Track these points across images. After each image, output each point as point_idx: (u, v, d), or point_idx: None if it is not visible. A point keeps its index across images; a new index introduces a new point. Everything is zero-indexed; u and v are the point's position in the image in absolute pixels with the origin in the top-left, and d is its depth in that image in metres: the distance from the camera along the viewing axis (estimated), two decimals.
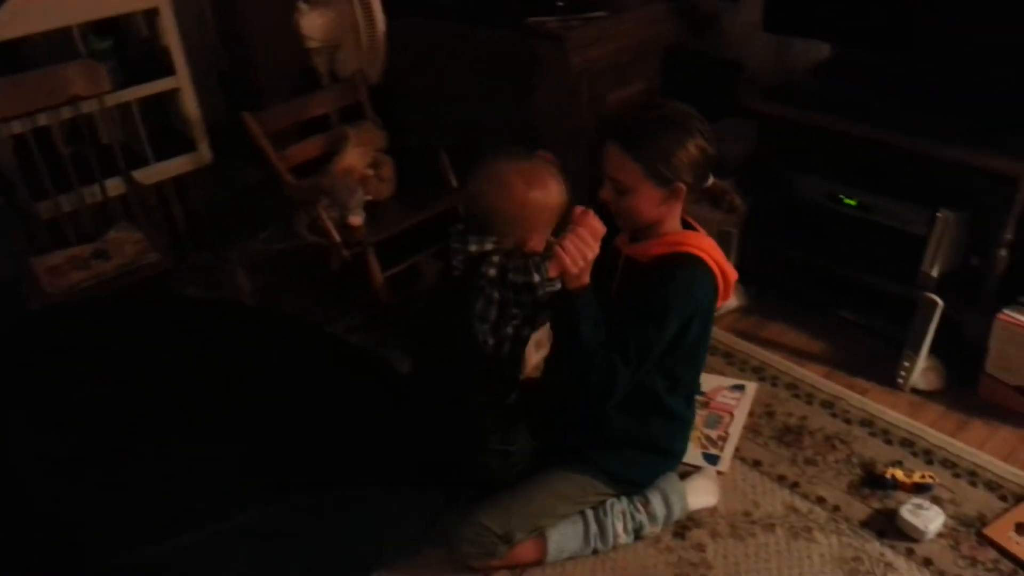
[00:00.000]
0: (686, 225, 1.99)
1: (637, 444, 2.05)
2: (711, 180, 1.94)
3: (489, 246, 1.92)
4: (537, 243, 1.93)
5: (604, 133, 1.88)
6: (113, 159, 2.89)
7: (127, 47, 3.25)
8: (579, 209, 1.80)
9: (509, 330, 1.94)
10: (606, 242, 1.83)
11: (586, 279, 1.80)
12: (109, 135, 2.91)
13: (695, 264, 1.88)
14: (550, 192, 1.92)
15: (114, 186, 2.94)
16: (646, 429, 2.04)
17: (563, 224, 1.90)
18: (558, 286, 1.84)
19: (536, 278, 1.88)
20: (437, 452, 2.10)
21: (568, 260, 1.73)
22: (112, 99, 2.89)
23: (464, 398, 2.02)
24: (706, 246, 1.91)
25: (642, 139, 1.83)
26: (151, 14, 3.09)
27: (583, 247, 1.74)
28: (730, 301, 2.84)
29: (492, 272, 1.90)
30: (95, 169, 2.86)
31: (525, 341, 2.02)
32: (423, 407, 2.14)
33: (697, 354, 2.04)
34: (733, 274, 1.95)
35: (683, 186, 1.85)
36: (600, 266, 1.84)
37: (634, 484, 2.09)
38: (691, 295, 1.87)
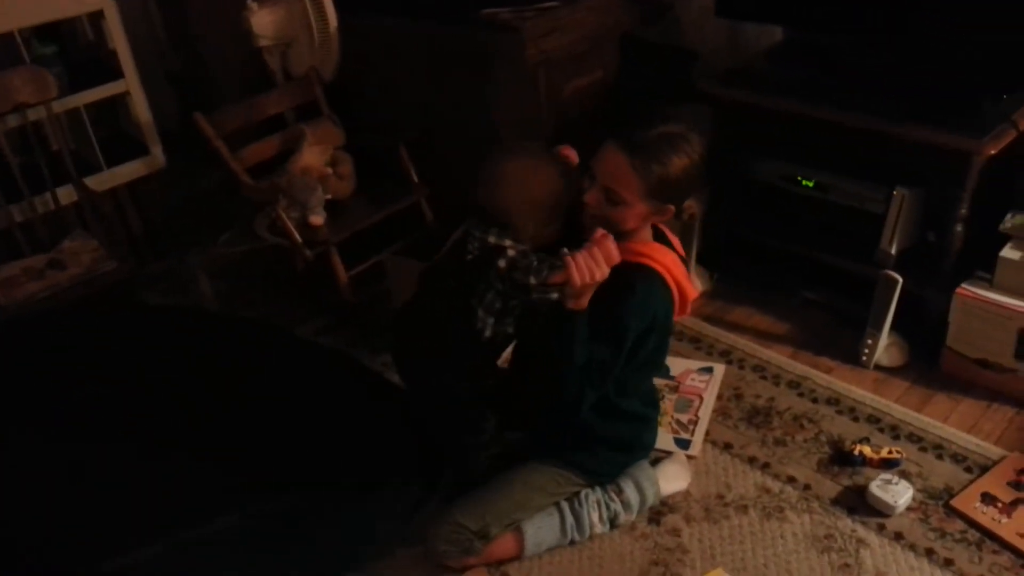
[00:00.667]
0: (659, 235, 1.99)
1: (603, 441, 2.06)
2: None
3: (508, 242, 1.90)
4: (551, 236, 1.92)
5: (614, 140, 1.82)
6: (64, 167, 2.83)
7: (72, 52, 3.17)
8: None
9: (508, 326, 1.95)
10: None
11: (585, 302, 1.77)
12: (59, 142, 2.85)
13: (652, 279, 1.87)
14: (559, 185, 1.89)
15: (66, 194, 2.88)
16: (608, 428, 2.04)
17: (576, 220, 1.90)
18: (554, 296, 1.82)
19: (532, 280, 1.85)
20: (420, 443, 2.10)
21: (575, 273, 1.69)
22: (60, 105, 2.83)
23: (451, 384, 2.02)
24: (668, 261, 1.89)
25: (652, 157, 1.77)
26: (96, 17, 3.03)
27: (594, 266, 1.70)
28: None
29: (503, 265, 1.89)
30: (46, 177, 2.80)
31: (512, 337, 2.03)
32: (409, 394, 2.13)
33: (652, 364, 2.04)
34: (692, 292, 1.95)
35: (673, 208, 1.85)
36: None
37: (605, 476, 2.11)
38: (647, 311, 1.85)
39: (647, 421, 2.15)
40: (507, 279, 1.89)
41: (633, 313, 1.83)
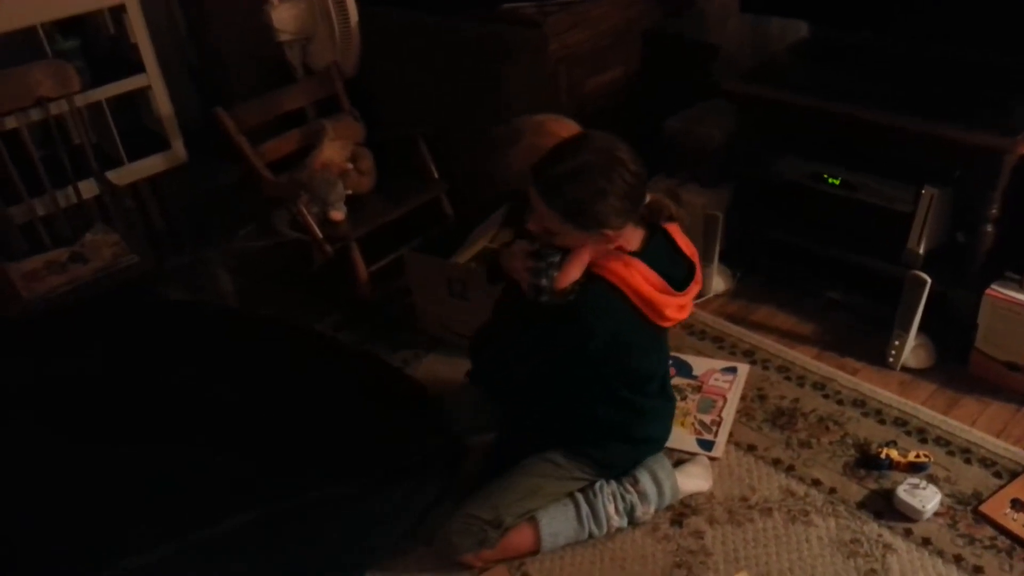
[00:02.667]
0: (659, 237, 1.95)
1: (609, 433, 2.05)
2: (647, 199, 1.90)
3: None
4: None
5: (532, 178, 1.83)
6: (86, 160, 2.83)
7: (94, 46, 3.18)
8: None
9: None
10: None
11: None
12: (80, 136, 2.85)
13: (593, 289, 1.84)
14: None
15: (88, 188, 2.89)
16: (614, 421, 2.03)
17: None
18: (554, 300, 1.85)
19: (543, 282, 1.86)
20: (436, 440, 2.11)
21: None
22: (82, 99, 2.83)
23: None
24: (623, 273, 1.84)
25: (560, 190, 1.79)
26: (118, 11, 3.03)
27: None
28: (716, 285, 2.85)
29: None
30: (68, 171, 2.80)
31: None
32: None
33: (628, 373, 2.00)
34: (669, 300, 1.89)
35: (609, 232, 1.82)
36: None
37: (616, 468, 2.09)
38: (573, 318, 1.84)
39: (655, 414, 2.11)
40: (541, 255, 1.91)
41: (563, 319, 1.85)
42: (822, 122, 2.53)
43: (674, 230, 1.98)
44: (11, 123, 2.71)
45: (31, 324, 2.53)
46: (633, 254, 1.88)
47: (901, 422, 2.30)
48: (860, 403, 2.37)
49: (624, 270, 1.84)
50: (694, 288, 1.97)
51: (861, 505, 2.09)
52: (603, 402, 2.02)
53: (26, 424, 2.21)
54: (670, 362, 2.52)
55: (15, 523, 1.94)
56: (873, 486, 2.13)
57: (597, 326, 1.85)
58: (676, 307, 1.92)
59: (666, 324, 1.94)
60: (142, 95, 3.13)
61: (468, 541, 1.98)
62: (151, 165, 3.14)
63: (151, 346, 2.48)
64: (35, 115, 2.74)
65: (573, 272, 1.85)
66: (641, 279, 1.85)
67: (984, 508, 2.04)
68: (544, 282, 1.85)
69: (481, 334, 2.12)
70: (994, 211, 2.33)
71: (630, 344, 1.93)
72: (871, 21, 2.56)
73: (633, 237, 1.91)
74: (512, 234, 2.15)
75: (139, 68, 3.03)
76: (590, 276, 1.86)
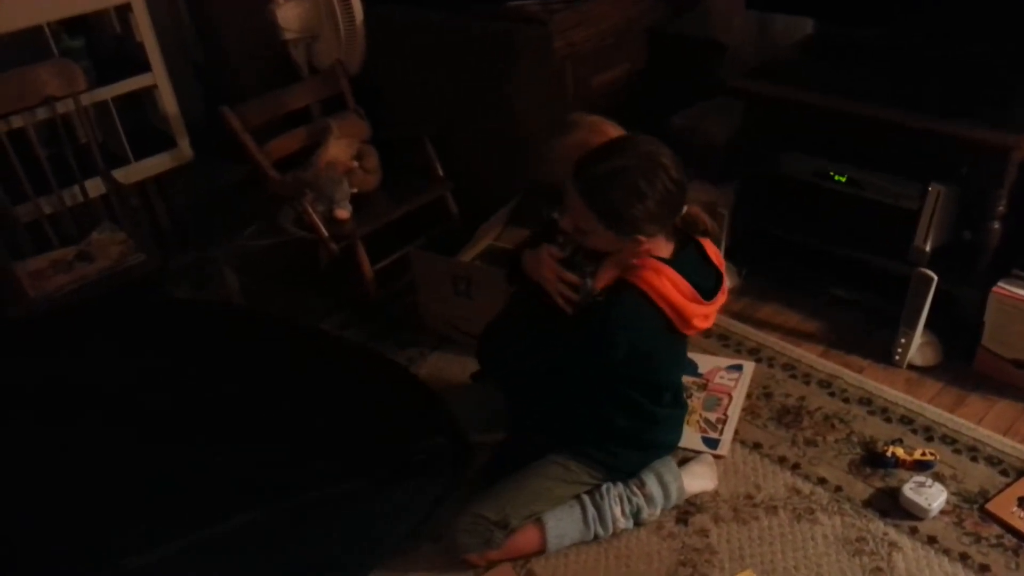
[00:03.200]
0: (687, 243, 1.96)
1: (618, 439, 2.05)
2: (684, 209, 1.90)
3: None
4: None
5: (572, 176, 1.84)
6: (92, 159, 2.84)
7: (100, 45, 3.18)
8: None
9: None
10: None
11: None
12: (87, 135, 2.85)
13: (623, 298, 1.84)
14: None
15: (94, 187, 2.89)
16: (625, 427, 2.03)
17: None
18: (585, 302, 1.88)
19: (588, 284, 1.90)
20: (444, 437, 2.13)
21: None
22: (88, 98, 2.84)
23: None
24: (654, 281, 1.84)
25: (599, 189, 1.80)
26: (124, 10, 3.03)
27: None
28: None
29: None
30: (74, 170, 2.81)
31: None
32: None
33: (646, 379, 2.01)
34: (696, 309, 1.89)
35: (643, 238, 1.83)
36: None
37: (622, 472, 2.09)
38: (599, 325, 1.85)
39: (668, 422, 2.12)
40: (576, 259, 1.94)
41: (596, 326, 1.86)
42: (828, 119, 2.52)
43: (705, 242, 1.99)
44: (17, 122, 2.72)
45: (36, 323, 2.54)
46: (664, 261, 1.88)
47: (907, 420, 2.30)
48: (866, 401, 2.37)
49: (655, 278, 1.84)
50: (721, 298, 1.97)
51: (867, 503, 2.08)
52: (617, 408, 2.02)
53: (27, 423, 2.22)
54: None
55: (16, 521, 1.95)
56: (879, 484, 2.13)
57: (623, 336, 1.85)
58: (702, 316, 1.93)
59: (691, 332, 1.95)
60: (148, 94, 3.14)
61: (474, 541, 1.98)
62: (157, 164, 3.15)
63: (155, 345, 2.49)
64: (41, 114, 2.75)
65: (606, 279, 1.88)
66: (671, 287, 1.85)
67: (990, 506, 2.03)
68: (582, 296, 1.89)
69: (494, 327, 2.12)
70: (1001, 208, 2.32)
71: (652, 353, 1.94)
72: (877, 17, 2.56)
73: (664, 244, 1.91)
74: (531, 234, 2.16)
75: (145, 67, 3.04)
76: (622, 284, 1.85)
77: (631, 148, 1.83)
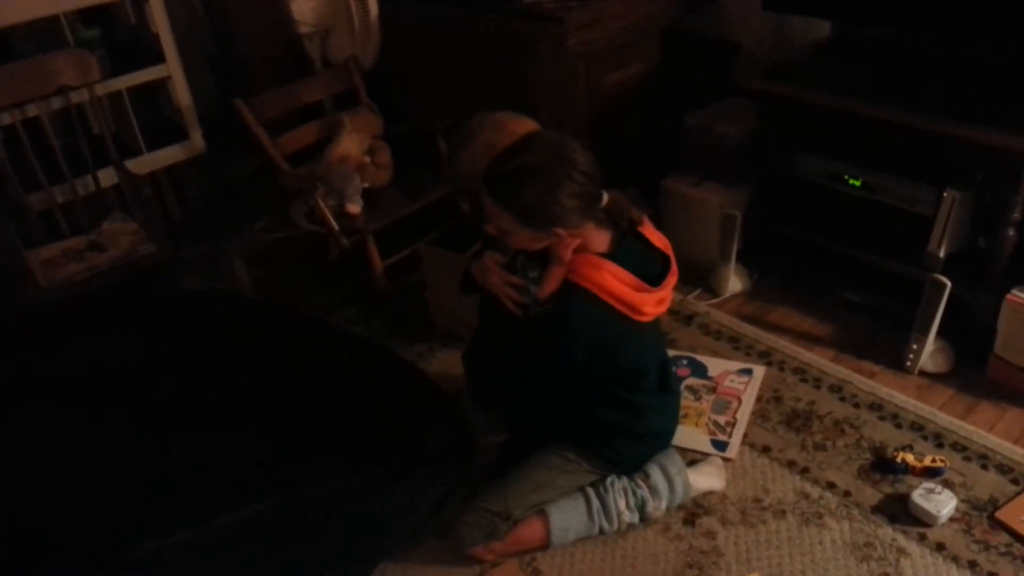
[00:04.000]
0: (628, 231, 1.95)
1: (615, 431, 2.04)
2: (604, 200, 1.88)
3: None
4: None
5: (482, 181, 1.85)
6: (105, 149, 2.84)
7: (115, 36, 3.18)
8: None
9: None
10: None
11: None
12: (100, 125, 2.86)
13: (572, 301, 1.84)
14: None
15: (107, 177, 2.90)
16: (615, 419, 2.03)
17: None
18: (537, 309, 1.91)
19: (528, 299, 1.93)
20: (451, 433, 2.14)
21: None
22: (102, 88, 2.84)
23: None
24: (596, 278, 1.84)
25: (510, 192, 1.80)
26: (139, 1, 3.03)
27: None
28: (733, 285, 2.83)
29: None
30: (87, 159, 2.81)
31: None
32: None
33: (619, 374, 2.00)
34: (646, 297, 1.89)
35: (561, 231, 1.82)
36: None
37: (625, 465, 2.09)
38: (555, 329, 1.86)
39: (655, 409, 2.09)
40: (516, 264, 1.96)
41: (550, 330, 1.88)
42: (843, 121, 2.51)
43: (646, 228, 1.98)
44: (32, 111, 2.72)
45: (48, 310, 2.54)
46: (603, 255, 1.88)
47: (918, 426, 2.28)
48: (877, 406, 2.35)
49: (596, 274, 1.84)
50: (671, 280, 1.96)
51: (876, 509, 2.07)
52: (600, 403, 2.02)
53: (40, 409, 2.23)
54: (684, 361, 2.53)
55: (30, 507, 1.96)
56: (888, 490, 2.12)
57: (578, 341, 1.86)
58: (654, 303, 1.93)
59: (645, 319, 1.93)
60: (161, 85, 3.14)
61: (477, 533, 1.98)
62: (170, 155, 3.15)
63: (166, 335, 2.50)
64: (56, 103, 2.75)
65: (553, 284, 1.88)
66: (613, 280, 1.85)
67: (1000, 515, 2.02)
68: (528, 300, 1.91)
69: (472, 349, 2.14)
70: (1016, 215, 2.30)
71: (613, 346, 1.93)
72: (894, 19, 2.54)
73: (598, 238, 1.90)
74: (480, 242, 2.18)
75: (159, 58, 3.04)
76: (566, 286, 1.86)
77: (537, 144, 1.84)
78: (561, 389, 2.01)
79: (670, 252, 1.99)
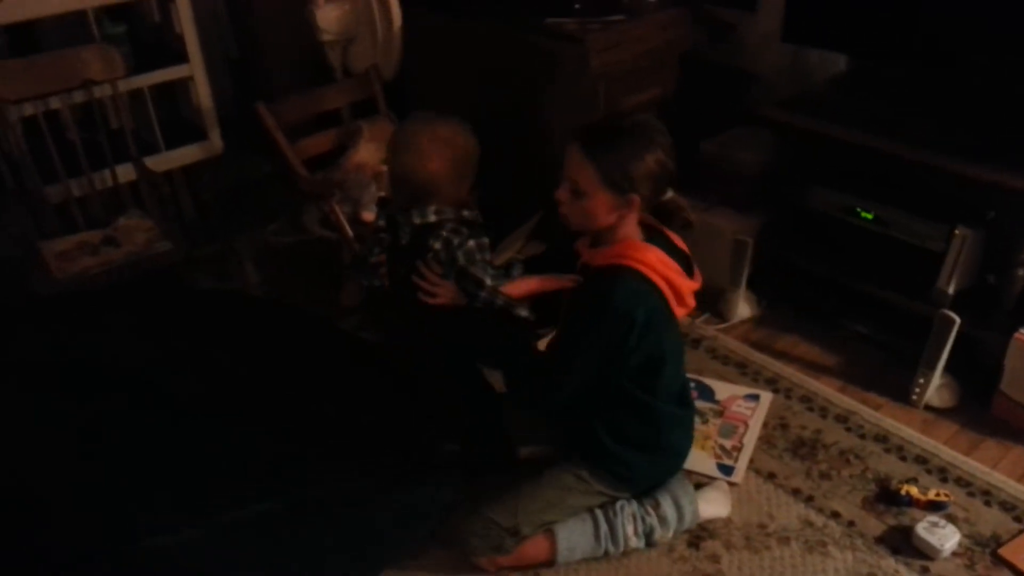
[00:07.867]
0: (657, 235, 1.96)
1: (627, 441, 2.03)
2: (668, 194, 1.94)
3: (432, 217, 2.05)
4: (467, 194, 2.14)
5: (572, 135, 1.89)
6: (124, 145, 2.86)
7: (140, 33, 3.21)
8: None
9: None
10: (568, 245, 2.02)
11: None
12: (121, 121, 2.87)
13: (623, 278, 1.85)
14: (467, 143, 2.12)
15: (125, 172, 2.91)
16: (628, 425, 2.02)
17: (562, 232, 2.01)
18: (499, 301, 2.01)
19: (488, 282, 2.02)
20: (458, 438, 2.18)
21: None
22: (125, 85, 2.86)
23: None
24: (648, 258, 1.87)
25: (603, 145, 1.84)
26: (165, 0, 3.06)
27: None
28: (742, 311, 2.85)
29: (438, 246, 2.03)
30: (106, 154, 2.82)
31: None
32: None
33: (652, 369, 1.98)
34: (686, 283, 1.92)
35: (637, 197, 1.85)
36: (559, 268, 2.03)
37: (635, 482, 2.08)
38: (611, 308, 1.85)
39: (674, 420, 2.09)
40: (454, 262, 2.03)
41: (594, 308, 1.87)
42: (857, 155, 2.54)
43: (669, 232, 2.00)
44: (55, 104, 2.73)
45: (61, 301, 2.55)
46: None
47: (922, 460, 2.30)
48: (882, 438, 2.37)
49: (645, 254, 1.87)
50: (699, 278, 1.99)
51: (879, 540, 2.08)
52: (625, 409, 2.00)
53: (51, 402, 2.22)
54: (691, 384, 2.54)
55: (42, 495, 1.96)
56: (892, 522, 2.13)
57: (635, 313, 1.85)
58: (690, 292, 1.95)
59: (682, 311, 1.96)
60: (182, 85, 3.16)
61: (484, 545, 1.99)
62: (187, 154, 3.17)
63: (178, 332, 2.50)
64: (78, 97, 2.76)
65: (522, 290, 2.03)
66: (660, 261, 1.88)
67: (1003, 551, 2.03)
68: (482, 301, 2.02)
69: (514, 384, 2.15)
70: None
71: (660, 333, 1.92)
72: (910, 56, 2.57)
73: (637, 232, 1.93)
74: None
75: (181, 58, 3.06)
76: (616, 268, 1.86)
77: (632, 118, 1.91)
78: (594, 395, 1.98)
79: (691, 257, 2.02)
